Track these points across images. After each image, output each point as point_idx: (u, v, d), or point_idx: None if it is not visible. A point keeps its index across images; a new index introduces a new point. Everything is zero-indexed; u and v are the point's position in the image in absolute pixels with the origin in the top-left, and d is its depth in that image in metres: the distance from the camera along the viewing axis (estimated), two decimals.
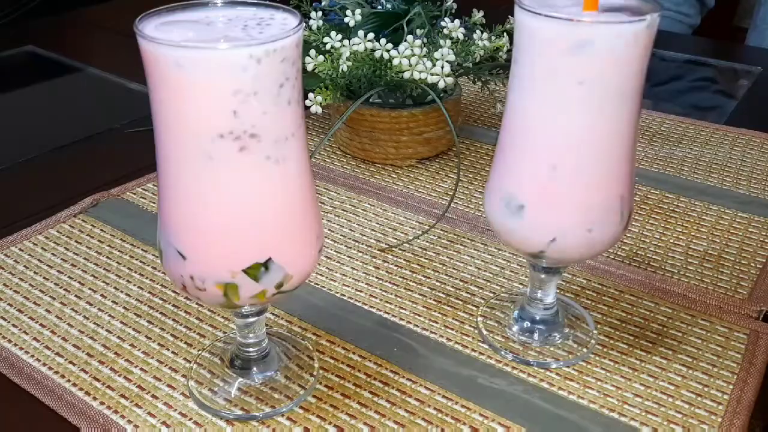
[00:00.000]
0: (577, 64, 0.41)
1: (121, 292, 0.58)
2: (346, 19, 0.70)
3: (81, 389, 0.48)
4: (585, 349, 0.52)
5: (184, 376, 0.50)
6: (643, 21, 0.40)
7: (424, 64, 0.65)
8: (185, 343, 0.53)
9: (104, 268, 0.61)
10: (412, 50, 0.65)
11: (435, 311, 0.56)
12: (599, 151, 0.44)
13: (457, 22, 0.69)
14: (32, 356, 0.51)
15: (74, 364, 0.51)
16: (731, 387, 0.48)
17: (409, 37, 0.66)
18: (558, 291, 0.56)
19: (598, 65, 0.41)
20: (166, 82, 0.37)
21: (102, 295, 0.57)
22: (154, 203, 0.69)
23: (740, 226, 0.66)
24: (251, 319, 0.47)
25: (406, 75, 0.66)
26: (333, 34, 0.68)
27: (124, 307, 0.56)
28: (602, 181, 0.45)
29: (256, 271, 0.41)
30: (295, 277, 0.43)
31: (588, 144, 0.43)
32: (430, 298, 0.57)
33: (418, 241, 0.64)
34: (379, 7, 0.73)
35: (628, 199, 0.46)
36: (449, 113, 0.66)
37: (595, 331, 0.53)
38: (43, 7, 1.32)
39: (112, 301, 0.57)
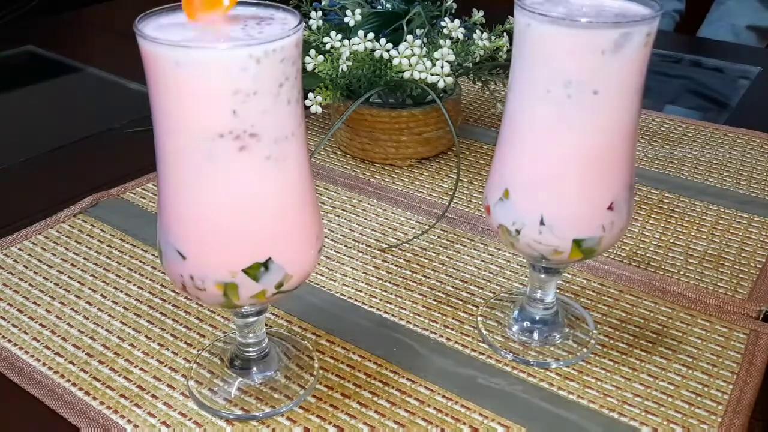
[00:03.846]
0: (577, 64, 0.41)
1: (121, 292, 0.58)
2: (346, 19, 0.70)
3: (81, 389, 0.49)
4: (585, 349, 0.52)
5: (184, 376, 0.50)
6: (643, 22, 0.40)
7: (424, 64, 0.65)
8: (185, 343, 0.53)
9: (104, 268, 0.61)
10: (412, 50, 0.65)
11: (435, 311, 0.56)
12: (599, 152, 0.44)
13: (457, 22, 0.69)
14: (32, 356, 0.51)
15: (74, 364, 0.51)
16: (731, 387, 0.48)
17: (409, 37, 0.66)
18: (558, 291, 0.56)
19: (598, 66, 0.41)
20: (166, 82, 0.37)
21: (102, 295, 0.57)
22: (154, 203, 0.69)
23: (740, 226, 0.66)
24: (251, 319, 0.47)
25: (406, 75, 0.66)
26: (333, 34, 0.68)
27: (124, 307, 0.56)
28: (603, 182, 0.45)
29: (255, 271, 0.41)
30: (295, 277, 0.43)
31: (588, 145, 0.43)
32: (430, 298, 0.57)
33: (418, 241, 0.64)
34: (379, 7, 0.73)
35: (628, 199, 0.46)
36: (449, 113, 0.66)
37: (595, 331, 0.53)
38: (43, 7, 1.32)
39: (112, 301, 0.57)
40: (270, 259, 0.41)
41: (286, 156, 0.40)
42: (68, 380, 0.49)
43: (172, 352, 0.52)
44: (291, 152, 0.40)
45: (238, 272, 0.41)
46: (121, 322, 0.55)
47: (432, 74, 0.65)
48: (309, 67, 0.67)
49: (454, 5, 0.75)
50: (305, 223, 0.43)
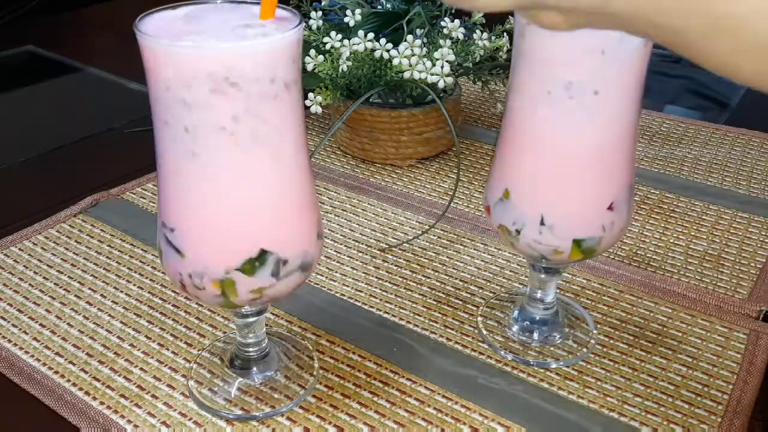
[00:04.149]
0: (577, 64, 0.41)
1: (121, 292, 0.58)
2: (346, 19, 0.70)
3: (81, 389, 0.49)
4: (585, 349, 0.52)
5: (184, 376, 0.50)
6: None
7: (424, 64, 0.65)
8: (185, 343, 0.53)
9: (104, 268, 0.61)
10: (412, 50, 0.65)
11: (435, 311, 0.56)
12: (599, 152, 0.44)
13: (457, 22, 0.69)
14: (32, 356, 0.51)
15: (74, 364, 0.51)
16: (731, 387, 0.48)
17: (409, 37, 0.66)
18: (558, 291, 0.56)
19: (598, 66, 0.41)
20: (164, 80, 0.37)
21: (102, 295, 0.57)
22: (153, 203, 0.69)
23: (740, 226, 0.66)
24: (251, 319, 0.47)
25: (406, 75, 0.66)
26: (333, 34, 0.68)
27: (124, 307, 0.56)
28: (603, 182, 0.45)
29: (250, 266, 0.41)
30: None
31: (588, 145, 0.43)
32: (430, 298, 0.57)
33: (418, 241, 0.64)
34: (379, 7, 0.73)
35: (628, 199, 0.46)
36: (449, 113, 0.66)
37: (595, 331, 0.53)
38: (43, 7, 1.32)
39: (112, 301, 0.57)
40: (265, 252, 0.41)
41: (285, 150, 0.40)
42: (68, 380, 0.49)
43: (172, 352, 0.52)
44: (290, 148, 0.40)
45: (231, 270, 0.41)
46: (121, 322, 0.55)
47: (432, 74, 0.65)
48: (309, 67, 0.67)
49: None
50: (302, 219, 0.43)
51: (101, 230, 0.66)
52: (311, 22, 0.72)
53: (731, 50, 0.25)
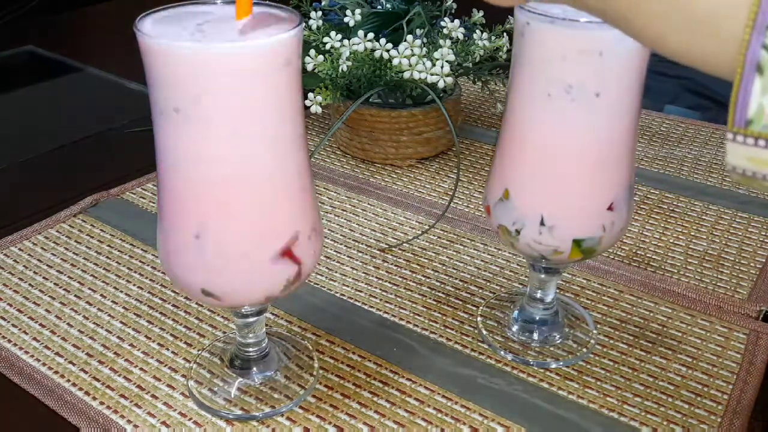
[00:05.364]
0: (576, 64, 0.41)
1: (121, 292, 0.58)
2: (346, 19, 0.70)
3: (81, 389, 0.49)
4: (585, 349, 0.52)
5: (183, 376, 0.50)
6: None
7: (423, 64, 0.65)
8: (185, 343, 0.53)
9: (104, 268, 0.61)
10: (412, 50, 0.65)
11: (435, 311, 0.56)
12: (599, 152, 0.44)
13: (456, 22, 0.69)
14: (32, 356, 0.51)
15: (74, 364, 0.51)
16: (731, 387, 0.48)
17: (409, 37, 0.66)
18: (558, 291, 0.56)
19: (598, 66, 0.41)
20: (165, 80, 0.37)
21: (102, 295, 0.57)
22: (153, 203, 0.69)
23: (740, 226, 0.66)
24: (251, 319, 0.47)
25: (406, 75, 0.66)
26: (333, 34, 0.68)
27: (123, 307, 0.56)
28: (603, 182, 0.45)
29: None
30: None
31: (587, 145, 0.43)
32: (430, 298, 0.57)
33: (418, 241, 0.64)
34: (379, 7, 0.73)
35: (628, 199, 0.46)
36: (449, 113, 0.66)
37: (594, 331, 0.53)
38: (43, 7, 1.32)
39: (112, 301, 0.57)
40: None
41: (286, 153, 0.40)
42: (68, 380, 0.49)
43: (172, 352, 0.52)
44: (292, 150, 0.41)
45: None
46: (121, 322, 0.55)
47: (432, 74, 0.65)
48: (309, 67, 0.67)
49: (454, 5, 0.75)
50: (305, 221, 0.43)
51: (101, 230, 0.66)
52: (311, 22, 0.72)
53: (660, 13, 0.25)
